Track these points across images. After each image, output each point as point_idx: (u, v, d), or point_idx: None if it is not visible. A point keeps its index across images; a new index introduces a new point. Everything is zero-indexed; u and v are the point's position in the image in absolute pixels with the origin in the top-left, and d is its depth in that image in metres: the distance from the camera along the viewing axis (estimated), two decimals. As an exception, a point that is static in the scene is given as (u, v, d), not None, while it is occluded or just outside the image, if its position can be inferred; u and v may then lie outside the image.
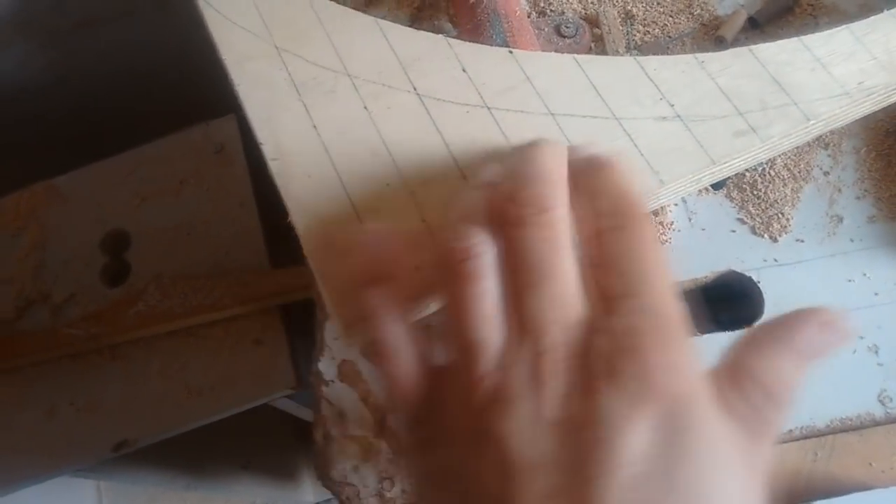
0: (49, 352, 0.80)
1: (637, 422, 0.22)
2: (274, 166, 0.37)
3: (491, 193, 0.28)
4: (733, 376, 0.25)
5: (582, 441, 0.22)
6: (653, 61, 0.38)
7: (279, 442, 1.26)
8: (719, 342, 0.43)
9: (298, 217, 0.36)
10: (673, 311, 0.24)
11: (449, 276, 0.26)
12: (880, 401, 0.41)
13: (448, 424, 0.25)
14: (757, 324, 0.26)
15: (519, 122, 0.38)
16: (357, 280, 0.28)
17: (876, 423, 0.40)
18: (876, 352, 0.41)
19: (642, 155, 0.37)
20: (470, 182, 0.30)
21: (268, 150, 0.38)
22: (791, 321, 0.26)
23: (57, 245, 0.84)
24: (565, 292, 0.25)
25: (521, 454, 0.22)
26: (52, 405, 0.77)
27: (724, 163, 0.38)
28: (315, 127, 0.38)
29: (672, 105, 0.38)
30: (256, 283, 0.78)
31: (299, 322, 0.81)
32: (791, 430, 0.41)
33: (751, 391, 0.24)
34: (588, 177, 0.28)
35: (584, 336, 0.24)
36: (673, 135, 0.38)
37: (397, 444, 0.43)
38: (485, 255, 0.25)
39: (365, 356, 0.34)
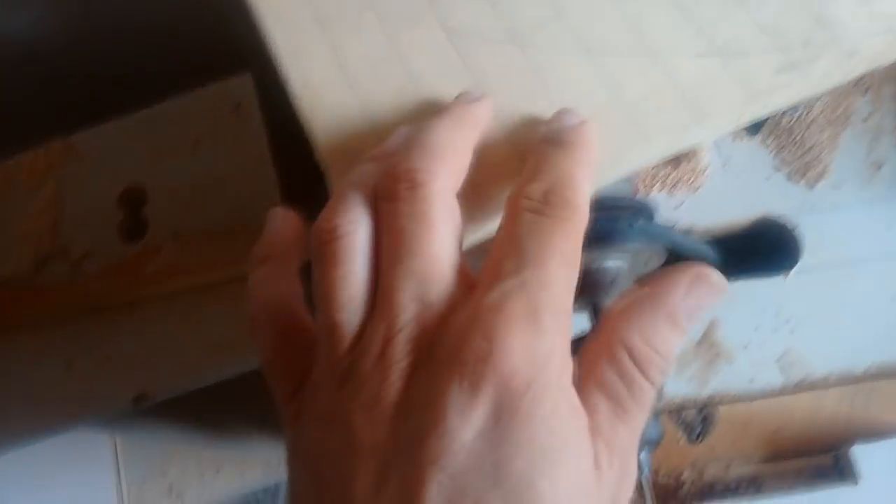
0: (67, 306, 0.80)
1: (473, 408, 0.21)
2: (300, 103, 0.36)
3: (381, 165, 0.27)
4: (605, 344, 0.24)
5: (416, 425, 0.22)
6: (691, -5, 0.37)
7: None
8: (755, 289, 0.42)
9: (326, 154, 0.36)
10: (552, 298, 0.23)
11: (316, 255, 0.26)
12: (917, 347, 0.40)
13: (313, 401, 0.25)
14: (628, 291, 0.25)
15: (550, 60, 0.37)
16: (251, 261, 0.28)
17: (913, 369, 0.40)
18: (914, 298, 0.41)
19: (681, 91, 0.36)
20: (369, 152, 0.30)
21: (294, 83, 0.37)
22: (659, 283, 0.25)
23: (74, 201, 0.84)
24: (428, 270, 0.24)
25: (364, 435, 0.22)
26: (70, 358, 0.78)
27: (764, 100, 0.37)
28: (341, 62, 0.37)
29: (711, 41, 0.37)
30: (274, 240, 0.78)
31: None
32: (827, 376, 0.40)
33: (622, 359, 0.23)
34: (539, 151, 0.27)
35: (441, 316, 0.23)
36: (711, 71, 0.37)
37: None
38: (352, 235, 0.25)
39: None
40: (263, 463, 1.43)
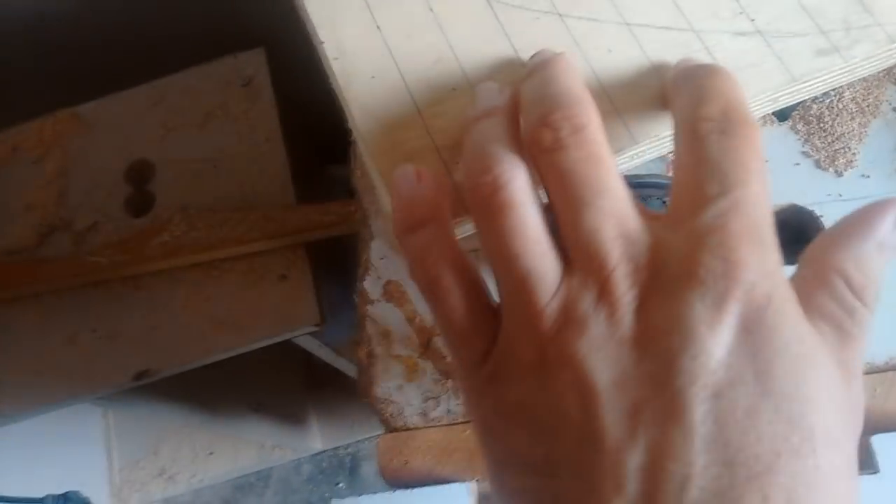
0: (71, 279, 0.79)
1: (721, 323, 0.21)
2: (335, 66, 0.36)
3: (510, 118, 0.27)
4: (819, 275, 0.24)
5: (662, 351, 0.21)
6: (734, -27, 0.37)
7: (290, 387, 1.27)
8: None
9: (360, 118, 0.35)
10: (765, 215, 0.23)
11: (482, 212, 0.25)
12: (941, 339, 0.40)
13: (516, 357, 0.24)
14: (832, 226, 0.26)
15: (591, 31, 0.37)
16: (405, 225, 0.27)
17: (936, 361, 0.39)
18: (939, 290, 0.40)
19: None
20: (475, 108, 0.29)
21: (329, 49, 0.36)
22: (867, 214, 0.25)
23: (80, 173, 0.83)
24: (622, 206, 0.24)
25: (601, 373, 0.21)
26: (73, 332, 0.77)
27: (804, 82, 0.36)
28: (379, 28, 0.37)
29: (752, 20, 0.37)
30: (283, 219, 0.77)
31: (323, 261, 0.80)
32: (849, 365, 0.40)
33: (839, 286, 0.23)
34: (696, 79, 0.27)
35: (650, 246, 0.23)
36: (752, 50, 0.36)
37: (444, 365, 0.43)
38: (516, 181, 0.24)
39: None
40: (256, 446, 1.43)
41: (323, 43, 0.36)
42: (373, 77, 0.36)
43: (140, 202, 0.82)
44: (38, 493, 1.00)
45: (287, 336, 0.77)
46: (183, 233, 0.78)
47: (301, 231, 0.78)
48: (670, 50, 0.36)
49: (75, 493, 1.05)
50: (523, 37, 0.37)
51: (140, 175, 0.84)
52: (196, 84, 0.86)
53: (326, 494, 1.36)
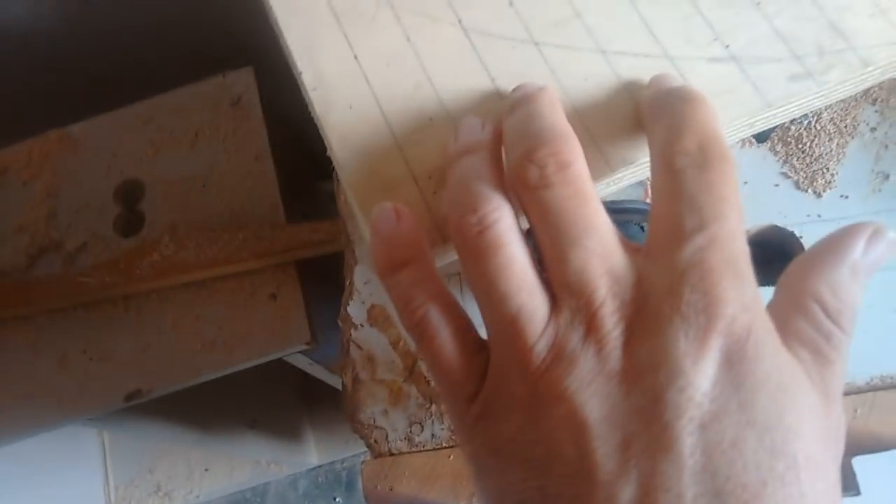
0: (62, 300, 0.79)
1: (705, 357, 0.21)
2: (314, 96, 0.36)
3: (493, 154, 0.27)
4: (795, 301, 0.24)
5: (650, 385, 0.21)
6: (708, 0, 0.37)
7: (285, 403, 1.27)
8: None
9: (339, 147, 0.35)
10: (742, 248, 0.23)
11: (468, 252, 0.25)
12: (922, 359, 0.40)
13: (506, 395, 0.24)
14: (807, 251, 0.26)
15: (567, 59, 0.37)
16: (386, 266, 0.27)
17: (917, 381, 0.40)
18: (919, 310, 0.41)
19: (695, 96, 0.36)
20: (457, 142, 0.29)
21: (308, 78, 0.36)
22: (840, 239, 0.25)
23: (70, 193, 0.83)
24: (607, 243, 0.24)
25: (592, 409, 0.22)
26: (64, 353, 0.77)
27: (780, 107, 0.37)
28: (356, 57, 0.37)
29: (727, 46, 0.37)
30: (272, 238, 0.77)
31: (314, 278, 0.80)
32: (830, 386, 0.40)
33: (815, 312, 0.24)
34: (672, 107, 0.27)
35: (634, 282, 0.23)
36: (727, 76, 0.37)
37: (428, 390, 0.43)
38: (502, 221, 0.24)
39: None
40: (252, 463, 1.43)
41: (301, 73, 0.36)
42: (350, 107, 0.36)
43: (130, 222, 0.82)
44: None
45: (278, 355, 0.77)
46: (172, 253, 0.78)
47: (291, 250, 0.78)
48: (646, 77, 0.37)
49: (69, 512, 1.05)
50: (500, 66, 0.37)
51: (130, 195, 0.84)
52: (185, 103, 0.86)
53: (324, 510, 1.35)
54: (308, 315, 0.75)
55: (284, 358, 0.82)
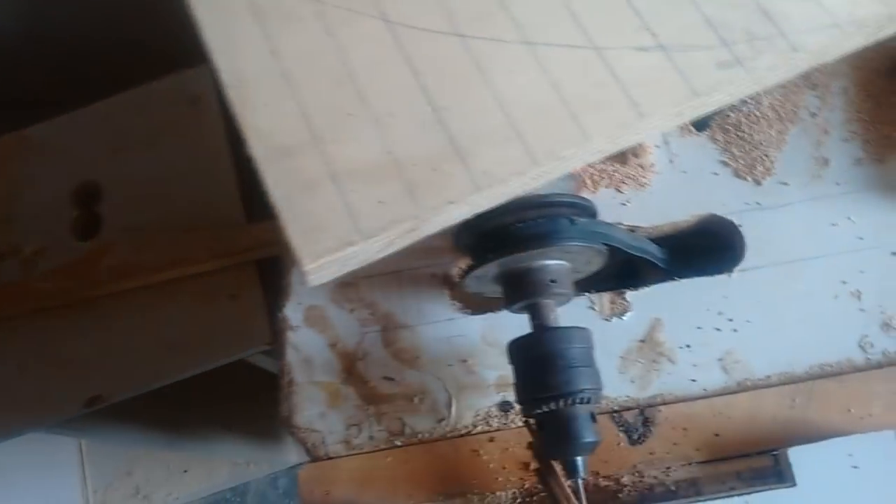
0: (19, 306, 0.77)
1: None
2: (232, 94, 0.35)
3: None
4: None
5: None
6: (634, -12, 0.36)
7: (259, 402, 1.25)
8: (699, 287, 0.41)
9: (258, 147, 0.34)
10: None
11: None
12: (861, 346, 0.40)
13: None
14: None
15: (492, 52, 0.36)
16: None
17: (856, 370, 0.39)
18: (858, 297, 0.40)
19: (621, 86, 0.36)
20: None
21: (226, 77, 0.35)
22: None
23: (27, 197, 0.82)
24: None
25: None
26: (22, 360, 0.75)
27: (708, 95, 0.36)
28: (276, 54, 0.36)
29: (654, 34, 0.36)
30: (232, 238, 0.76)
31: (276, 277, 0.79)
32: (769, 377, 0.40)
33: None
34: None
35: None
36: (654, 66, 0.36)
37: (366, 391, 0.42)
38: None
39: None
40: (230, 463, 1.41)
41: (220, 71, 0.36)
42: (269, 105, 0.35)
43: (88, 224, 0.80)
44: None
45: (240, 356, 0.76)
46: (130, 255, 0.76)
47: (250, 249, 0.76)
48: (570, 69, 0.36)
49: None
50: (424, 59, 0.36)
51: (87, 197, 0.82)
52: (142, 103, 0.84)
53: (304, 508, 1.34)
54: (269, 315, 0.74)
55: (249, 359, 0.81)
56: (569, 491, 0.36)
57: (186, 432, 1.12)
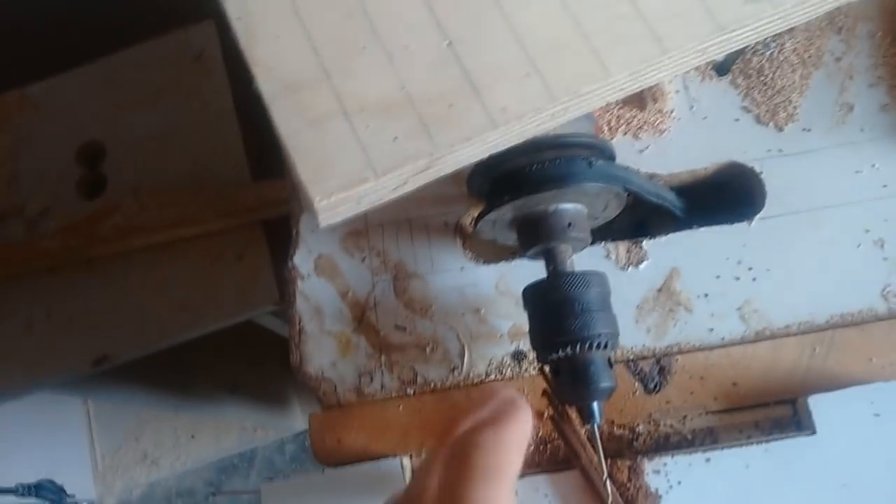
0: (25, 264, 0.77)
1: None
2: (238, 26, 0.34)
3: None
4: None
5: None
6: (658, -82, 0.35)
7: (267, 367, 1.26)
8: (718, 236, 0.40)
9: (264, 82, 0.33)
10: None
11: None
12: (883, 296, 0.39)
13: None
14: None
15: (508, -15, 0.35)
16: None
17: (878, 319, 0.38)
18: (882, 246, 0.39)
19: (645, 19, 0.34)
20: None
21: (231, 8, 0.34)
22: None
23: (30, 156, 0.81)
24: None
25: None
26: (29, 318, 0.75)
27: (733, 31, 0.35)
28: (284, -14, 0.35)
29: (678, -33, 0.35)
30: (237, 196, 0.75)
31: (283, 237, 0.78)
32: (788, 326, 0.39)
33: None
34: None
35: None
36: (677, -1, 0.35)
37: (378, 340, 0.41)
38: None
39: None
40: (238, 429, 1.42)
41: (225, 2, 0.34)
42: (278, 37, 0.34)
43: (92, 184, 0.80)
44: (22, 481, 0.99)
45: (247, 316, 0.76)
46: (135, 214, 0.76)
47: (256, 208, 0.76)
48: (591, 1, 0.35)
49: (49, 481, 1.05)
50: (437, -8, 0.35)
51: (91, 156, 0.81)
52: (146, 60, 0.83)
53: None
54: (276, 275, 0.74)
55: (256, 320, 0.80)
56: (584, 437, 0.36)
57: (194, 395, 1.13)
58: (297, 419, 1.33)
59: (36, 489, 0.96)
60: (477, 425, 0.29)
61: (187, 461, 1.39)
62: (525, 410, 0.30)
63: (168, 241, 0.75)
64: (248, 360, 1.23)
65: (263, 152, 0.82)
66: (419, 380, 0.40)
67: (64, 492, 0.97)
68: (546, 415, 0.38)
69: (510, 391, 0.32)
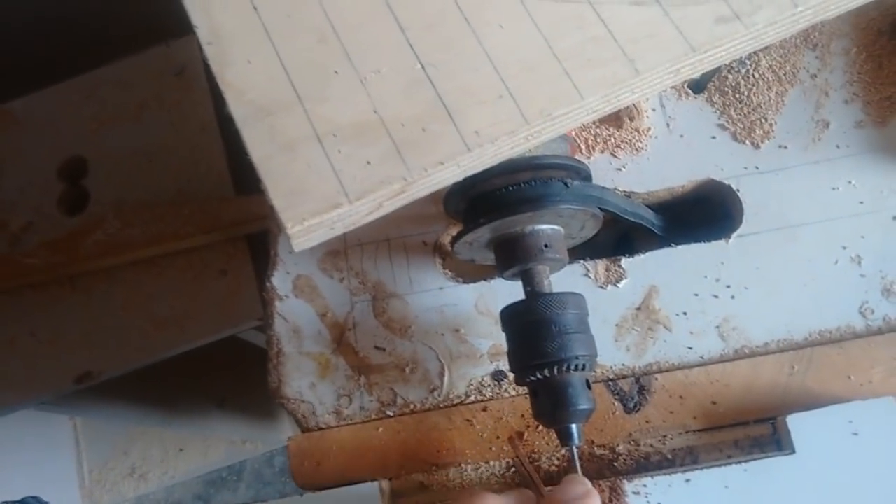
0: (7, 282, 0.76)
1: None
2: (209, 51, 0.34)
3: None
4: None
5: None
6: (630, -60, 0.35)
7: (254, 381, 1.25)
8: (696, 254, 0.40)
9: (236, 107, 0.33)
10: None
11: None
12: (861, 313, 0.39)
13: None
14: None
15: (482, 4, 0.35)
16: None
17: (856, 336, 0.38)
18: (859, 262, 0.39)
19: (616, 42, 0.34)
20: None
21: (202, 33, 0.34)
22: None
23: (12, 172, 0.80)
24: None
25: None
26: (11, 336, 0.75)
27: (705, 52, 0.35)
28: (256, 8, 0.35)
29: (650, -12, 0.35)
30: (220, 211, 0.75)
31: (267, 251, 0.78)
32: (767, 344, 0.39)
33: None
34: None
35: None
36: (650, 20, 0.35)
37: (357, 361, 0.41)
38: None
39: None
40: (227, 442, 1.41)
41: (196, 27, 0.34)
42: (249, 62, 0.34)
43: (75, 199, 0.79)
44: (8, 499, 0.98)
45: (230, 332, 0.75)
46: (118, 230, 0.75)
47: (240, 223, 0.75)
48: (562, 24, 0.35)
49: (34, 498, 1.03)
50: (411, 14, 0.35)
51: (74, 171, 0.81)
52: (128, 75, 0.83)
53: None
54: (261, 289, 0.73)
55: (241, 335, 0.80)
56: (529, 466, 0.36)
57: (181, 410, 1.12)
58: (286, 432, 1.32)
59: (20, 507, 0.95)
60: None
61: (175, 475, 1.38)
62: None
63: (151, 257, 0.75)
64: (236, 373, 1.22)
65: (247, 167, 0.81)
66: (399, 401, 0.40)
67: (49, 509, 0.96)
68: (525, 437, 0.38)
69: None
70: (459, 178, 0.33)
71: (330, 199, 0.31)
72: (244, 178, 0.78)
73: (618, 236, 0.49)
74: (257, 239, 0.75)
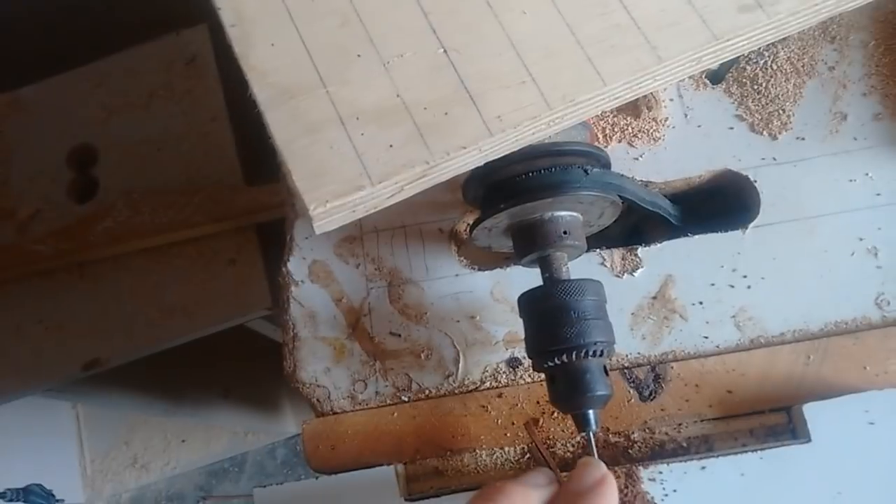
0: (15, 269, 0.76)
1: None
2: (232, 33, 0.34)
3: None
4: None
5: None
6: (655, -72, 0.35)
7: (259, 372, 1.25)
8: (712, 244, 0.41)
9: (259, 89, 0.33)
10: None
11: None
12: (877, 304, 0.39)
13: None
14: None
15: (506, -7, 0.35)
16: None
17: (872, 327, 0.38)
18: (875, 254, 0.39)
19: (639, 29, 0.34)
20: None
21: (226, 15, 0.34)
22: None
23: (21, 160, 0.80)
24: None
25: None
26: (19, 323, 0.75)
27: (727, 40, 0.35)
28: (279, -8, 0.35)
29: (673, -24, 0.35)
30: (230, 200, 0.75)
31: (276, 240, 0.78)
32: (783, 334, 0.39)
33: None
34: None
35: None
36: (673, 8, 0.35)
37: (372, 346, 0.41)
38: None
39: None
40: (229, 433, 1.41)
41: (220, 9, 0.34)
42: (272, 44, 0.34)
43: (84, 187, 0.79)
44: (10, 486, 0.98)
45: (239, 321, 0.75)
46: (126, 218, 0.75)
47: (249, 213, 0.75)
48: (586, 10, 0.35)
49: (38, 485, 1.03)
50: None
51: (83, 159, 0.81)
52: (138, 64, 0.83)
53: (303, 477, 1.35)
54: (269, 279, 0.74)
55: (248, 325, 0.80)
56: (546, 451, 0.36)
57: (186, 399, 1.12)
58: (289, 424, 1.33)
59: (24, 494, 0.95)
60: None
61: (177, 465, 1.38)
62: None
63: (160, 245, 0.75)
64: (241, 364, 1.22)
65: (256, 156, 0.81)
66: (414, 386, 0.40)
67: (53, 496, 0.96)
68: (541, 423, 0.38)
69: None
70: (480, 162, 0.33)
71: (353, 182, 0.31)
72: (254, 167, 0.78)
73: (629, 227, 0.49)
74: (267, 228, 0.76)
